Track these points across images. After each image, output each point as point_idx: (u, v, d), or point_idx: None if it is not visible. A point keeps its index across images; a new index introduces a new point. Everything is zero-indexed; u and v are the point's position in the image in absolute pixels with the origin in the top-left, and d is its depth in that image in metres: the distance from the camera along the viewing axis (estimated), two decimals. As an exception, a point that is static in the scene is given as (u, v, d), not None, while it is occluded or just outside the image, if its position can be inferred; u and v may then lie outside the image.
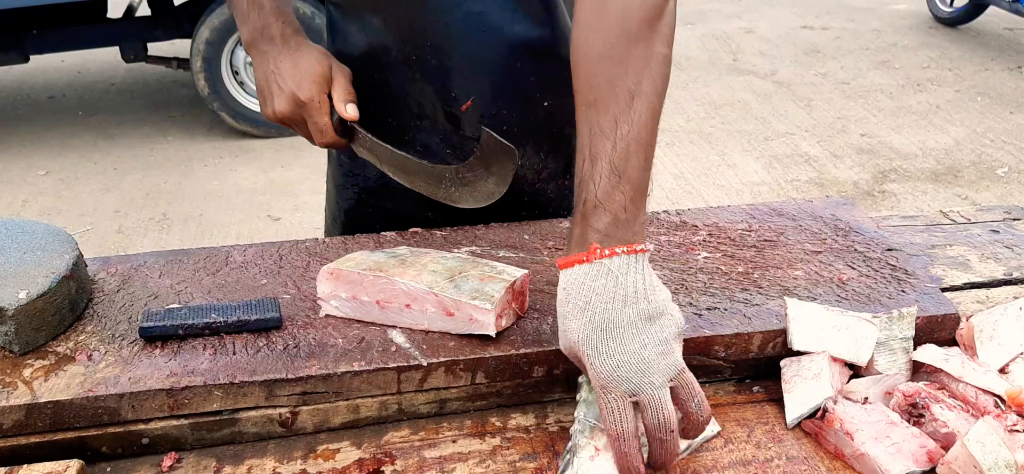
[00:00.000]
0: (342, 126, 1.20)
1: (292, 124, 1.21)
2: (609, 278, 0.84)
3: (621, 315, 0.83)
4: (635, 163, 0.88)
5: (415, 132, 1.31)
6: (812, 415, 0.92)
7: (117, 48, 5.26)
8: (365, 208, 1.42)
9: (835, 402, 0.90)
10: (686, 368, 0.85)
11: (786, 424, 0.94)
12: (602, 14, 0.95)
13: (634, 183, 0.88)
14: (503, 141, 1.08)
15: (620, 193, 0.87)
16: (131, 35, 5.25)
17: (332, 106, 1.18)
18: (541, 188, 1.35)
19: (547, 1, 1.23)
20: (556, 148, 1.33)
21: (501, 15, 1.21)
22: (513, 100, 1.27)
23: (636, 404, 0.82)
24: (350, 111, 1.18)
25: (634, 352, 0.82)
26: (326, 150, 1.42)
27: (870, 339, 0.96)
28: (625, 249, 0.85)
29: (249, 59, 5.45)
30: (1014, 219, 1.33)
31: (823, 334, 0.97)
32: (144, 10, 5.38)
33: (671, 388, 0.83)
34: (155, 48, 5.41)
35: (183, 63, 5.22)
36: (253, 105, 5.07)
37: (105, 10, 5.37)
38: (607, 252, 0.85)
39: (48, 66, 6.32)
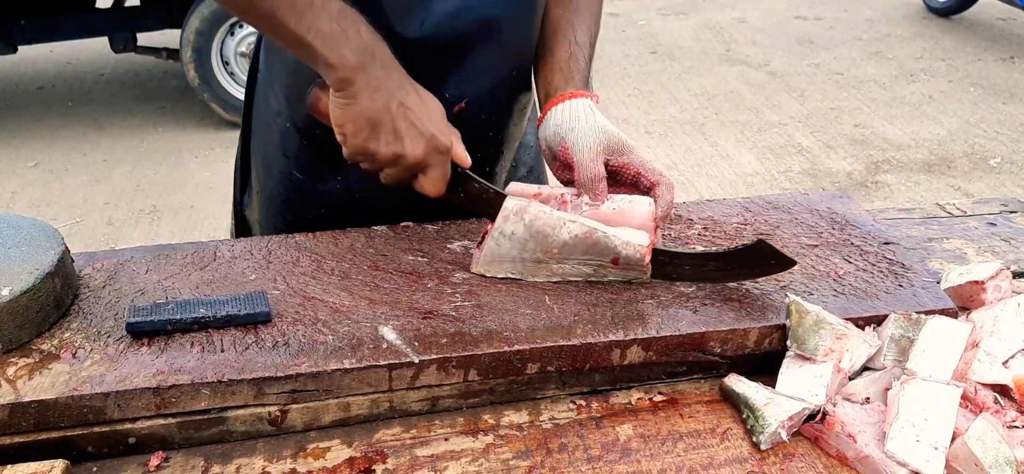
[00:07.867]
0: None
1: (408, 170, 1.03)
2: (581, 105, 1.13)
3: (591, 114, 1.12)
4: (585, 63, 1.21)
5: None
6: (810, 419, 0.91)
7: (106, 38, 5.22)
8: (325, 224, 1.24)
9: (834, 405, 0.89)
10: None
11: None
12: None
13: (585, 76, 1.20)
14: (783, 253, 1.01)
15: (583, 80, 1.19)
16: (121, 25, 5.20)
17: None
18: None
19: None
20: (527, 154, 1.41)
21: (511, 23, 1.18)
22: (502, 109, 1.26)
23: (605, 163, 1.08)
24: (469, 158, 1.06)
25: (600, 126, 1.10)
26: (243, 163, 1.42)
27: (862, 356, 0.94)
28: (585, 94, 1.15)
29: (241, 51, 5.28)
30: (1011, 212, 1.32)
31: None
32: (134, 0, 5.33)
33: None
34: (145, 38, 5.35)
35: (173, 54, 5.17)
36: (243, 95, 5.02)
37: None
38: (578, 94, 1.14)
39: (37, 56, 6.25)
